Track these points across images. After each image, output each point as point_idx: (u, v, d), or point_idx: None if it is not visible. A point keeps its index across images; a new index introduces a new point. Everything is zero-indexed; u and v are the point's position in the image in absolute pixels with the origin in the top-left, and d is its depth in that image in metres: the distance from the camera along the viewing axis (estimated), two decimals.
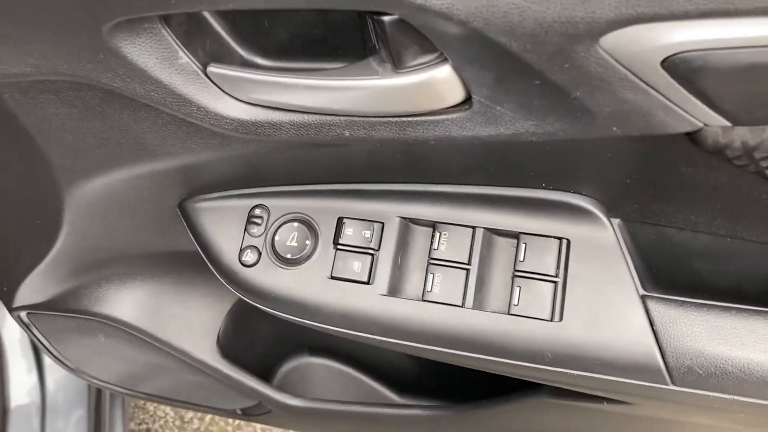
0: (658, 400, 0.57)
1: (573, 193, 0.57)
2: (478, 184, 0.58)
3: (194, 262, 0.81)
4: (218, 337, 0.86)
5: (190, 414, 1.68)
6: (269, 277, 0.62)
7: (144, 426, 1.67)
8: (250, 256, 0.62)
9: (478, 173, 0.57)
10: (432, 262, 0.59)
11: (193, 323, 0.85)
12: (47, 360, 1.19)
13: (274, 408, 0.91)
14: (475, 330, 0.57)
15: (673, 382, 0.55)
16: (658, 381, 0.55)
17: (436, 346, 0.59)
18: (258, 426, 1.67)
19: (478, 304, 0.58)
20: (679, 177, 0.51)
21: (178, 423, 1.68)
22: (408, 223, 0.60)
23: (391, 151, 0.55)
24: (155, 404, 1.70)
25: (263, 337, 0.97)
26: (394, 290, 0.59)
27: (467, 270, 0.58)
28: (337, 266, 0.60)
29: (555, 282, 0.57)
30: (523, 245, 0.58)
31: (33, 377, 1.16)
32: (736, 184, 0.50)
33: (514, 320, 0.56)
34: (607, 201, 0.57)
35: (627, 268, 0.56)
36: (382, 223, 0.60)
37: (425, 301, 0.58)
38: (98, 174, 0.61)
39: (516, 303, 0.57)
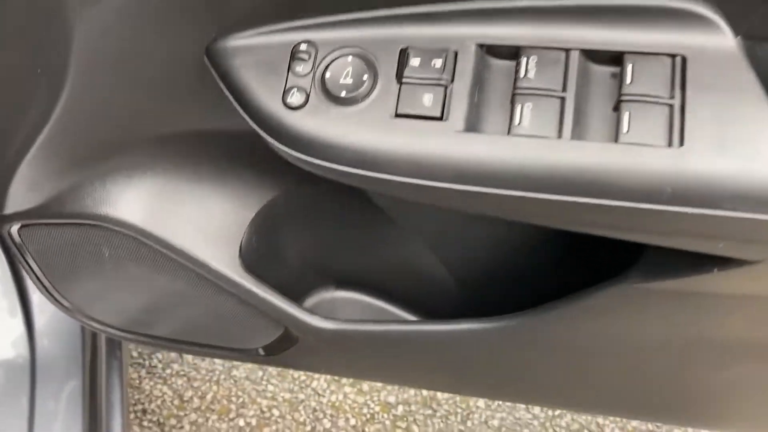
0: None
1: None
2: None
3: (212, 154, 0.70)
4: (240, 248, 0.76)
5: (189, 393, 1.56)
6: (320, 120, 0.51)
7: (140, 406, 1.54)
8: (296, 97, 0.52)
9: None
10: (519, 92, 0.49)
11: (211, 230, 0.74)
12: (35, 301, 1.06)
13: (302, 334, 0.80)
14: (576, 165, 0.47)
15: None
16: None
17: (526, 190, 0.49)
18: (264, 403, 1.54)
19: (578, 136, 0.48)
20: None
21: (177, 402, 1.55)
22: (487, 49, 0.50)
23: None
24: (151, 383, 1.57)
25: (289, 263, 0.87)
26: (472, 126, 0.49)
27: (562, 98, 0.49)
28: (402, 101, 0.50)
29: (671, 105, 0.47)
30: (630, 66, 0.48)
31: (19, 323, 1.03)
32: None
33: (624, 149, 0.47)
34: (727, 10, 0.48)
35: (756, 86, 0.47)
36: (456, 51, 0.50)
37: (513, 135, 0.48)
38: None
39: (625, 130, 0.47)
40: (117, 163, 0.69)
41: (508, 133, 0.48)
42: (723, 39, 0.47)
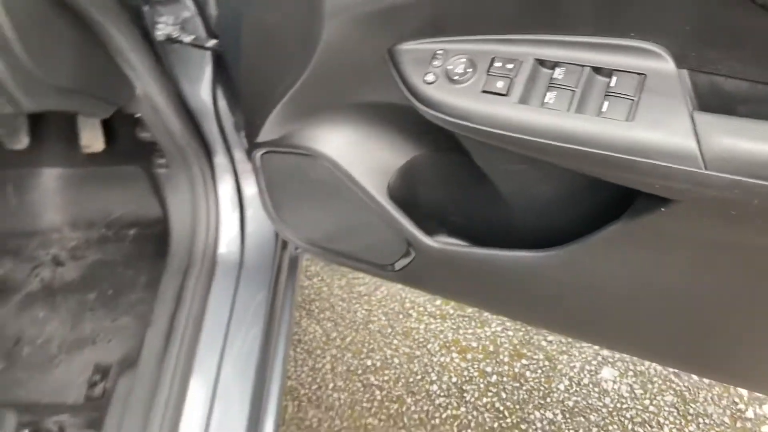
0: (691, 183, 0.82)
1: (650, 42, 0.85)
2: (587, 35, 0.89)
3: (381, 119, 1.16)
4: (388, 185, 1.19)
5: (334, 334, 2.00)
6: (442, 91, 0.94)
7: (296, 337, 2.01)
8: (431, 78, 0.95)
9: (590, 23, 0.87)
10: (551, 85, 0.89)
11: (374, 169, 1.18)
12: (249, 214, 1.55)
13: (417, 251, 1.22)
14: (574, 128, 0.86)
15: (706, 168, 0.80)
16: (692, 166, 0.80)
17: (548, 139, 0.88)
18: (388, 352, 1.95)
19: (579, 111, 0.87)
20: (728, 22, 0.78)
21: (324, 339, 2.00)
22: (539, 61, 0.91)
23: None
24: (307, 322, 2.04)
25: (415, 206, 1.29)
26: (523, 100, 0.90)
27: (573, 91, 0.88)
28: (487, 84, 0.92)
29: (633, 100, 0.85)
30: (615, 78, 0.87)
31: (235, 223, 1.52)
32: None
33: (601, 120, 0.85)
34: (674, 48, 0.85)
35: (681, 96, 0.83)
36: (521, 61, 0.91)
37: (544, 107, 0.88)
38: (353, 8, 0.97)
39: (604, 110, 0.85)
40: (326, 117, 1.15)
41: (541, 106, 0.88)
42: (666, 64, 0.84)
